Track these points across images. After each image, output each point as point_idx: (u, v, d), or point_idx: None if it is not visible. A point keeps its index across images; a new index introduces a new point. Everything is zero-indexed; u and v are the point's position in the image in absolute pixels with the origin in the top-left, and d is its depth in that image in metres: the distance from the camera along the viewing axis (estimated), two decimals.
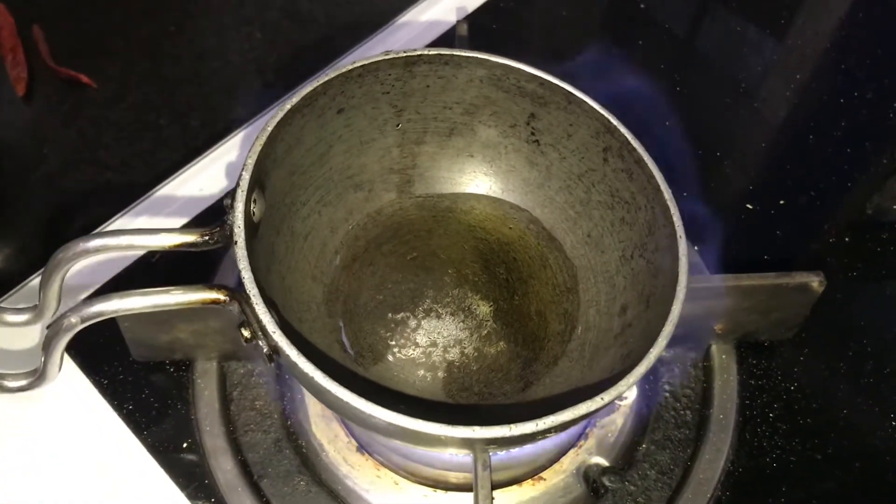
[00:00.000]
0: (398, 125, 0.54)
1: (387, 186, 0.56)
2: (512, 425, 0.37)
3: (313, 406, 0.54)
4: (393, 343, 0.52)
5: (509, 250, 0.55)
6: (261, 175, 0.46)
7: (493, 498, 0.41)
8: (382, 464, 0.52)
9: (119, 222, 0.62)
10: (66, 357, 0.54)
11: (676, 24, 0.79)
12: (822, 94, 0.74)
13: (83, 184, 0.67)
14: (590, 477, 0.52)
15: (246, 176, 0.43)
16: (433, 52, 0.50)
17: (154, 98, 0.73)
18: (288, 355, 0.38)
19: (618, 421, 0.55)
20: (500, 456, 0.50)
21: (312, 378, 0.37)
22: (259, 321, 0.39)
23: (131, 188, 0.65)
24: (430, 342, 0.52)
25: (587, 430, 0.54)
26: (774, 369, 0.57)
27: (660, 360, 0.56)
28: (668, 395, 0.56)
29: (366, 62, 0.49)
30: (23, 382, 0.45)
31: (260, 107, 0.68)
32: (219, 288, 0.41)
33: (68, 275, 0.47)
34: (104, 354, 0.55)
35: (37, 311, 0.49)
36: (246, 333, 0.40)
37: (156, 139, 0.70)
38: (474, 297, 0.54)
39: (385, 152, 0.55)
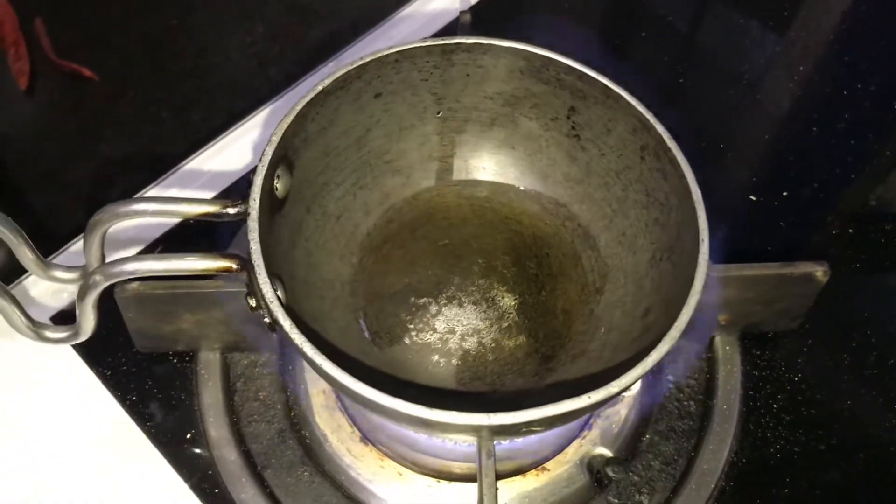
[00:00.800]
0: (438, 113, 0.54)
1: (425, 173, 0.56)
2: (517, 412, 0.37)
3: (317, 396, 0.54)
4: (412, 327, 0.52)
5: (543, 245, 0.54)
6: (288, 152, 0.47)
7: (497, 488, 0.41)
8: (386, 454, 0.52)
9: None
10: (70, 348, 0.55)
11: (678, 17, 0.78)
12: (826, 85, 0.73)
13: (84, 177, 0.67)
14: (594, 467, 0.52)
15: (269, 151, 0.44)
16: (471, 40, 0.50)
17: (155, 92, 0.73)
18: (283, 326, 0.38)
19: (622, 412, 0.55)
20: (504, 446, 0.50)
21: (304, 351, 0.38)
22: (260, 291, 0.39)
23: (131, 182, 0.64)
24: (449, 329, 0.52)
25: (591, 421, 0.54)
26: (778, 360, 0.57)
27: None
28: (671, 386, 0.56)
29: (402, 48, 0.49)
30: (62, 335, 0.47)
31: (260, 101, 0.69)
32: (231, 257, 0.42)
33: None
34: (108, 346, 0.55)
35: (83, 269, 0.50)
36: (252, 303, 0.42)
37: (157, 133, 0.70)
38: (500, 288, 0.53)
39: (425, 139, 0.55)
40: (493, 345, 0.51)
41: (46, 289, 0.57)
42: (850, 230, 0.64)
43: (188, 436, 0.53)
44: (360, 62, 0.49)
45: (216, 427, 0.52)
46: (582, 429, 0.54)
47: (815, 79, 0.74)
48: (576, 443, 0.53)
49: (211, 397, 0.53)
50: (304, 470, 0.52)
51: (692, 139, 0.63)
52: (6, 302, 0.45)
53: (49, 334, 0.47)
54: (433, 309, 0.52)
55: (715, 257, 0.56)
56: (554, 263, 0.54)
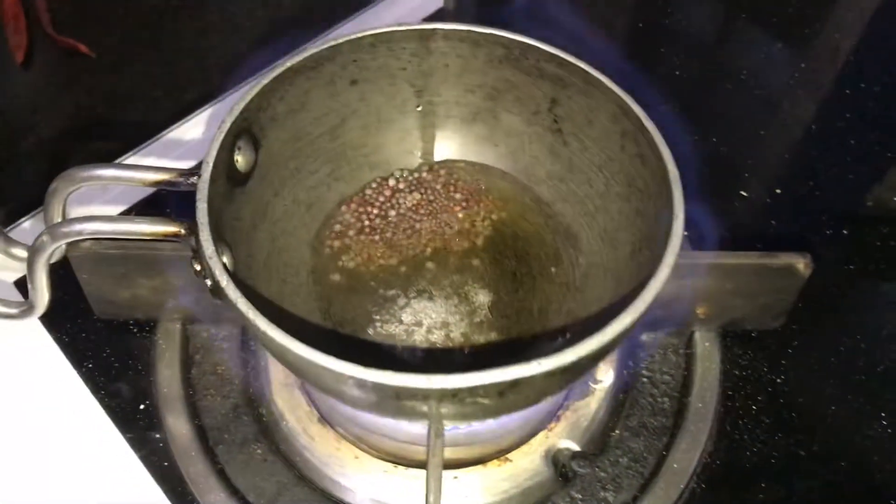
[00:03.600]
0: (418, 107, 0.53)
1: (406, 174, 0.55)
2: (462, 375, 0.35)
3: (276, 373, 0.52)
4: (377, 318, 0.50)
5: (523, 244, 0.53)
6: (252, 126, 0.46)
7: (452, 469, 0.39)
8: (343, 437, 0.51)
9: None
10: None
11: (676, 11, 0.77)
12: (828, 84, 0.72)
13: (73, 151, 0.67)
14: (559, 461, 0.50)
15: (228, 120, 0.43)
16: (448, 26, 0.49)
17: (152, 70, 0.73)
18: (219, 282, 0.37)
19: (591, 405, 0.53)
20: (463, 431, 0.48)
21: (246, 314, 0.36)
22: (204, 254, 0.38)
23: (106, 155, 0.64)
24: (415, 321, 0.50)
25: (559, 413, 0.52)
26: (760, 360, 0.55)
27: (639, 344, 0.55)
28: (645, 380, 0.54)
29: (377, 31, 0.48)
30: (12, 311, 0.46)
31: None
32: (180, 222, 0.41)
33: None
34: (68, 312, 0.54)
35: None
36: (196, 266, 0.40)
37: (150, 109, 0.70)
38: (475, 284, 0.51)
39: (405, 134, 0.54)
40: (461, 339, 0.49)
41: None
42: (845, 231, 0.62)
43: (141, 406, 0.51)
44: (333, 43, 0.47)
45: (170, 399, 0.51)
46: (548, 421, 0.52)
47: (817, 77, 0.72)
48: (541, 434, 0.51)
49: (168, 369, 0.52)
50: (258, 447, 0.50)
51: (685, 131, 0.62)
52: None
53: (1, 308, 0.46)
54: (401, 301, 0.50)
55: (697, 248, 0.55)
56: (534, 262, 0.52)
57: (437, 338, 0.49)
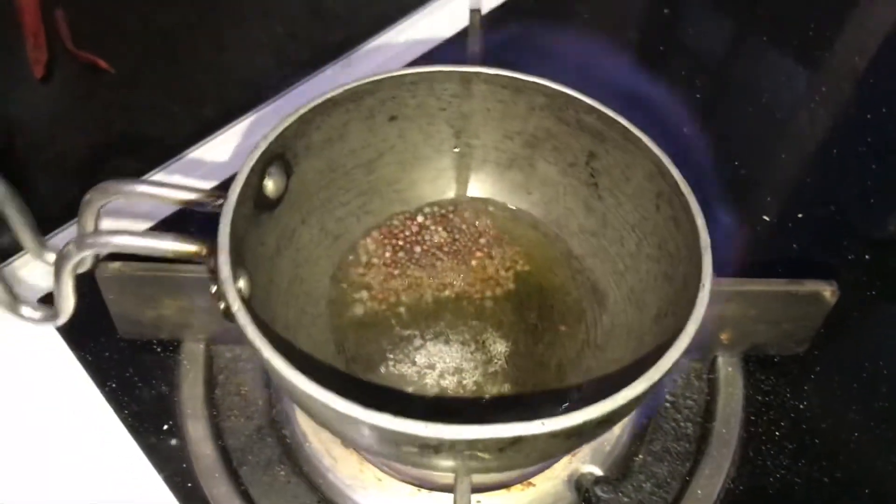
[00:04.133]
0: (456, 148, 0.53)
1: (436, 210, 0.55)
2: (491, 426, 0.35)
3: None
4: (391, 357, 0.49)
5: (548, 296, 0.52)
6: (286, 153, 0.46)
7: (476, 493, 0.39)
8: (367, 459, 0.50)
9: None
10: (54, 331, 0.54)
11: (696, 32, 0.77)
12: (849, 108, 0.72)
13: (92, 166, 0.67)
14: (582, 486, 0.50)
15: (262, 145, 0.44)
16: (491, 71, 0.49)
17: (170, 86, 0.73)
18: (231, 305, 0.38)
19: (614, 430, 0.52)
20: None
21: (253, 340, 0.37)
22: (219, 277, 0.39)
23: (137, 170, 0.64)
24: (429, 364, 0.49)
25: None
26: (783, 386, 0.55)
27: None
28: (668, 405, 0.54)
29: (419, 70, 0.48)
30: (38, 315, 0.46)
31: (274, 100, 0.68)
32: (202, 242, 0.41)
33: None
34: (91, 331, 0.54)
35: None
36: (213, 288, 0.40)
37: (168, 125, 0.70)
38: (494, 333, 0.51)
39: (439, 174, 0.54)
40: (473, 388, 0.49)
41: (37, 270, 0.57)
42: (867, 256, 0.62)
43: (165, 427, 0.51)
44: (375, 78, 0.48)
45: (194, 420, 0.51)
46: None
47: (837, 100, 0.72)
48: (564, 459, 0.51)
49: (191, 389, 0.52)
50: (281, 469, 0.50)
51: (707, 155, 0.62)
52: (16, 210, 0.45)
53: (26, 312, 0.46)
54: (417, 342, 0.50)
55: (720, 274, 0.54)
56: (557, 316, 0.51)
57: (449, 384, 0.49)
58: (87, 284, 0.55)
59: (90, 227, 0.46)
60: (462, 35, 0.71)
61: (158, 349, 0.54)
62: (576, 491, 0.50)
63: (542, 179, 0.53)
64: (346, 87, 0.47)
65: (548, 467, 0.51)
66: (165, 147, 0.66)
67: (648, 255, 0.48)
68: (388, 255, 0.53)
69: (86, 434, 0.51)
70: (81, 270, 0.46)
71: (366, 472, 0.50)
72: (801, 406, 0.54)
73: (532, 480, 0.51)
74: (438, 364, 0.49)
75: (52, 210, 0.62)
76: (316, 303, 0.50)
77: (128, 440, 0.51)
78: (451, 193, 0.55)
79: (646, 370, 0.37)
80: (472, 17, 0.62)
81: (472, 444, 0.35)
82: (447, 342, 0.50)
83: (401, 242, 0.53)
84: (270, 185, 0.46)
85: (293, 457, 0.51)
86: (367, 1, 0.78)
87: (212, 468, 0.50)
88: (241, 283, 0.42)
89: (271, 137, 0.44)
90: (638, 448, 0.52)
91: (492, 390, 0.49)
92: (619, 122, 0.47)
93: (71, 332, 0.54)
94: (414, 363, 0.49)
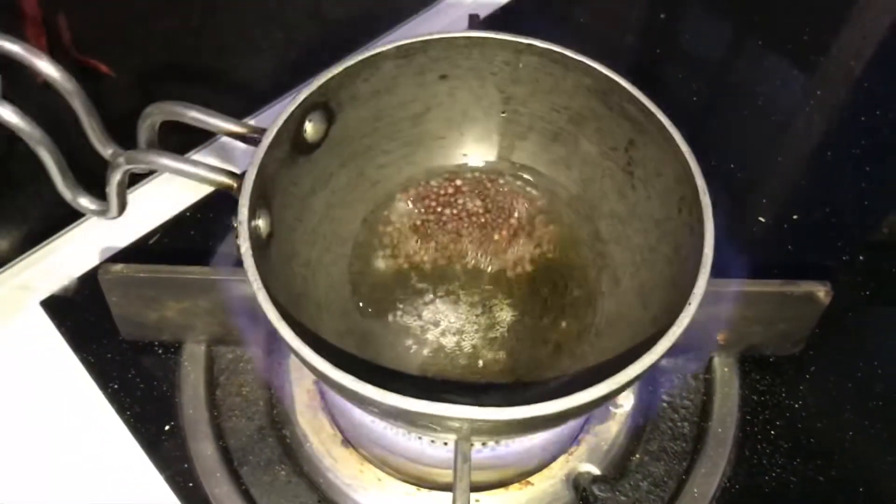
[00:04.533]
0: (503, 112, 0.53)
1: (476, 175, 0.55)
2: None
3: (301, 395, 0.53)
4: (400, 307, 0.51)
5: (565, 275, 0.52)
6: (329, 101, 0.48)
7: (474, 492, 0.40)
8: (367, 458, 0.51)
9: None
10: (58, 334, 0.54)
11: (693, 37, 0.78)
12: (844, 111, 0.72)
13: (92, 170, 0.68)
14: (580, 485, 0.51)
15: (305, 92, 0.45)
16: (543, 45, 0.49)
17: (171, 90, 0.73)
18: (240, 246, 0.40)
19: (612, 429, 0.53)
20: (486, 455, 0.49)
21: (252, 282, 0.38)
22: (237, 214, 0.41)
23: (132, 178, 0.64)
24: (434, 320, 0.50)
25: (579, 437, 0.53)
26: (778, 385, 0.55)
27: (659, 370, 0.55)
28: (665, 405, 0.54)
29: (472, 35, 0.49)
30: (93, 207, 0.48)
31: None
32: (234, 176, 0.43)
33: None
34: (94, 332, 0.55)
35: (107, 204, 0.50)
36: (234, 224, 0.42)
37: (168, 130, 0.70)
38: (503, 300, 0.51)
39: (485, 135, 0.54)
40: (470, 350, 0.50)
41: (39, 272, 0.57)
42: (861, 257, 0.62)
43: (167, 427, 0.52)
44: (427, 37, 0.49)
45: (195, 420, 0.52)
46: (570, 444, 0.52)
47: (832, 104, 0.73)
48: (562, 458, 0.52)
49: (192, 390, 0.53)
50: (282, 469, 0.51)
51: (703, 158, 0.63)
52: (53, 159, 0.46)
53: (82, 201, 0.47)
54: (427, 297, 0.51)
55: (717, 275, 0.55)
56: (568, 296, 0.52)
57: (448, 342, 0.50)
58: (89, 287, 0.56)
59: (144, 140, 0.48)
60: None
61: (160, 351, 0.54)
62: (574, 490, 0.51)
63: (583, 158, 0.53)
64: (397, 44, 0.48)
65: (545, 466, 0.52)
66: (162, 150, 0.67)
67: (664, 255, 0.48)
68: (421, 211, 0.54)
69: (88, 435, 0.51)
70: (138, 172, 0.48)
71: (366, 471, 0.51)
72: (797, 406, 0.55)
73: (530, 479, 0.51)
74: (443, 322, 0.50)
75: (56, 213, 0.63)
76: (343, 243, 0.51)
77: (130, 440, 0.51)
78: (493, 156, 0.55)
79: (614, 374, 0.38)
80: (471, 22, 0.63)
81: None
82: (456, 302, 0.51)
83: (435, 203, 0.54)
84: (310, 130, 0.47)
85: (293, 457, 0.51)
86: (365, 6, 0.79)
87: (213, 468, 0.50)
88: (260, 222, 0.43)
89: (313, 87, 0.46)
90: (635, 447, 0.53)
91: (487, 355, 0.49)
92: (656, 117, 0.47)
93: (73, 335, 0.55)
94: (420, 317, 0.50)
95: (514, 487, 0.51)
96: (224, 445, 0.51)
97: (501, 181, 0.55)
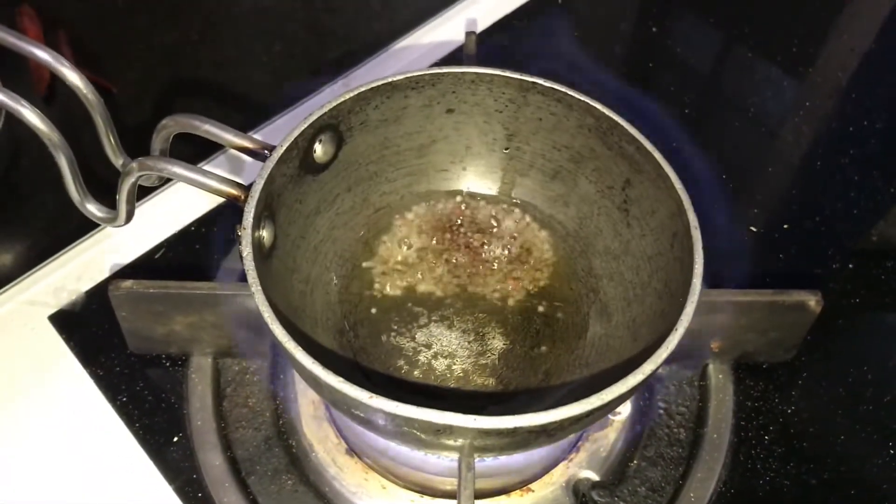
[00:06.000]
0: (506, 149, 0.55)
1: (478, 205, 0.57)
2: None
3: (306, 406, 0.54)
4: (394, 329, 0.52)
5: (559, 308, 0.54)
6: (340, 125, 0.50)
7: (476, 500, 0.41)
8: (371, 467, 0.52)
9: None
10: (67, 348, 0.55)
11: (686, 50, 0.79)
12: (833, 121, 0.74)
13: (94, 184, 0.68)
14: (579, 491, 0.52)
15: (316, 114, 0.48)
16: (547, 83, 0.51)
17: (171, 104, 0.74)
18: (241, 251, 0.42)
19: (610, 436, 0.54)
20: (488, 464, 0.50)
21: (250, 284, 0.40)
22: (242, 221, 0.43)
23: (138, 193, 0.65)
24: (426, 343, 0.52)
25: (578, 444, 0.54)
26: (772, 391, 0.57)
27: (655, 377, 0.56)
28: (662, 412, 0.55)
29: (479, 71, 0.51)
30: (101, 214, 0.49)
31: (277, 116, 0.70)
32: (241, 187, 0.45)
33: None
34: (102, 346, 0.55)
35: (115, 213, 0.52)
36: (239, 233, 0.44)
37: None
38: (496, 328, 0.53)
39: (488, 170, 0.56)
40: (460, 374, 0.51)
41: (47, 287, 0.58)
42: (851, 265, 0.64)
43: (175, 439, 0.53)
44: (437, 71, 0.51)
45: (203, 431, 0.53)
46: (569, 451, 0.53)
47: (821, 114, 0.74)
48: (562, 465, 0.53)
49: (200, 402, 0.54)
50: (289, 478, 0.52)
51: (695, 168, 0.64)
52: (68, 164, 0.47)
53: (91, 207, 0.49)
54: (422, 320, 0.53)
55: (711, 285, 0.56)
56: (559, 329, 0.53)
57: (439, 366, 0.51)
58: (96, 302, 0.57)
59: (158, 149, 0.49)
60: (458, 52, 0.73)
61: (167, 364, 0.55)
62: (573, 495, 0.52)
63: (581, 196, 0.54)
64: (408, 75, 0.50)
65: (545, 473, 0.53)
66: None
67: (655, 290, 0.49)
68: (420, 239, 0.56)
69: (98, 447, 0.52)
70: (148, 184, 0.49)
71: (370, 479, 0.52)
72: (789, 411, 0.56)
73: (531, 486, 0.52)
74: (435, 345, 0.52)
75: (58, 226, 0.64)
76: (343, 264, 0.53)
77: (139, 452, 0.52)
78: (494, 191, 0.57)
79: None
80: (468, 39, 0.64)
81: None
82: (450, 327, 0.53)
83: (434, 232, 0.56)
84: (320, 151, 0.49)
85: (300, 466, 0.52)
86: (364, 21, 0.80)
87: (221, 478, 0.51)
88: (264, 233, 0.45)
89: (325, 109, 0.48)
90: (633, 453, 0.54)
91: (476, 381, 0.51)
92: (653, 157, 0.48)
93: (81, 348, 0.55)
94: (413, 339, 0.52)
95: (516, 494, 0.52)
96: (232, 456, 0.52)
97: (500, 215, 0.57)
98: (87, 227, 0.62)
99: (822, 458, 0.54)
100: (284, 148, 0.46)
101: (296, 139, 0.46)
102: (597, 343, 0.52)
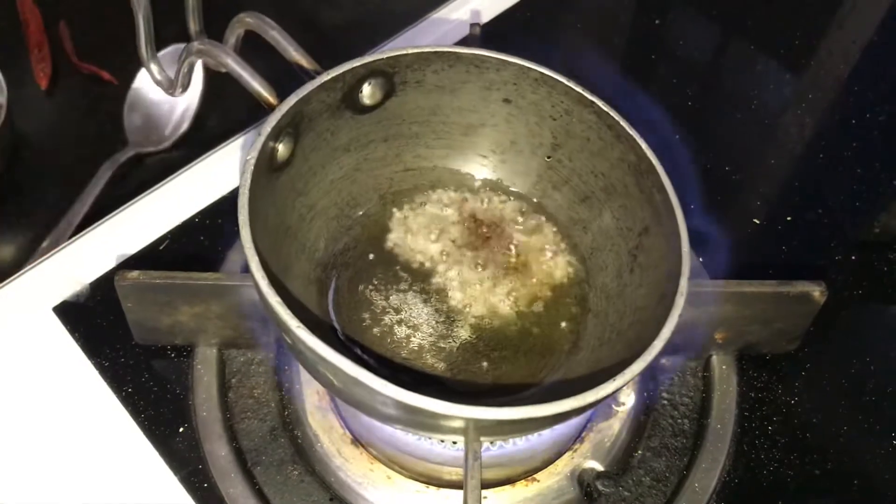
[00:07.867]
0: (549, 157, 0.55)
1: (499, 207, 0.57)
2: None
3: (311, 396, 0.54)
4: (374, 282, 0.52)
5: (535, 325, 0.52)
6: (394, 75, 0.50)
7: (482, 492, 0.41)
8: (376, 457, 0.52)
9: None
10: (72, 340, 0.55)
11: (690, 42, 0.79)
12: (835, 113, 0.74)
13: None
14: (584, 480, 0.52)
15: (366, 58, 0.48)
16: (605, 107, 0.50)
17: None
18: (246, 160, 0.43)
19: (614, 426, 0.54)
20: (493, 453, 0.50)
21: (240, 199, 0.42)
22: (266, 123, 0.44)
23: (142, 184, 0.65)
24: (396, 307, 0.52)
25: (583, 434, 0.54)
26: (775, 382, 0.57)
27: (659, 368, 0.56)
28: (666, 402, 0.56)
29: (547, 72, 0.50)
30: (160, 77, 0.54)
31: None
32: (276, 97, 0.46)
33: None
34: (107, 337, 0.55)
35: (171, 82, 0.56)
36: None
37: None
38: (468, 319, 0.52)
39: (525, 171, 0.56)
40: (415, 348, 0.50)
41: (52, 279, 0.58)
42: (853, 257, 0.64)
43: (181, 430, 0.53)
44: (506, 58, 0.50)
45: (208, 422, 0.53)
46: (573, 441, 0.54)
47: (823, 106, 0.74)
48: (567, 455, 0.53)
49: (205, 392, 0.54)
50: (294, 469, 0.52)
51: (698, 160, 0.64)
52: (145, 25, 0.51)
53: (154, 67, 0.53)
54: (402, 286, 0.53)
55: (715, 276, 0.57)
56: (528, 343, 0.52)
57: (399, 332, 0.51)
58: (101, 293, 0.57)
59: (230, 41, 0.51)
60: (462, 44, 0.73)
61: (173, 354, 0.55)
62: (578, 486, 0.52)
63: (601, 228, 0.54)
64: (475, 52, 0.50)
65: (550, 463, 0.53)
66: (167, 161, 0.68)
67: (628, 340, 0.48)
68: (437, 210, 0.56)
69: (103, 438, 0.53)
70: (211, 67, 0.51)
71: (376, 470, 0.52)
72: (793, 402, 0.56)
73: (536, 476, 0.53)
74: (404, 312, 0.52)
75: (59, 221, 0.64)
76: (354, 207, 0.54)
77: (144, 443, 0.52)
78: (524, 191, 0.57)
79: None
80: (472, 31, 0.64)
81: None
82: (425, 301, 0.52)
83: (451, 211, 0.56)
84: (367, 93, 0.50)
85: (305, 456, 0.52)
86: (363, 16, 0.80)
87: (227, 468, 0.51)
88: (281, 146, 0.46)
89: (385, 55, 0.48)
90: (637, 444, 0.54)
91: (428, 360, 0.50)
92: (674, 213, 0.47)
93: (86, 340, 0.55)
94: (387, 299, 0.52)
95: (521, 484, 0.52)
96: (237, 446, 0.52)
97: (520, 218, 0.56)
98: (91, 219, 0.63)
99: (825, 449, 0.55)
100: (331, 77, 0.47)
101: (344, 73, 0.47)
102: (555, 370, 0.51)
